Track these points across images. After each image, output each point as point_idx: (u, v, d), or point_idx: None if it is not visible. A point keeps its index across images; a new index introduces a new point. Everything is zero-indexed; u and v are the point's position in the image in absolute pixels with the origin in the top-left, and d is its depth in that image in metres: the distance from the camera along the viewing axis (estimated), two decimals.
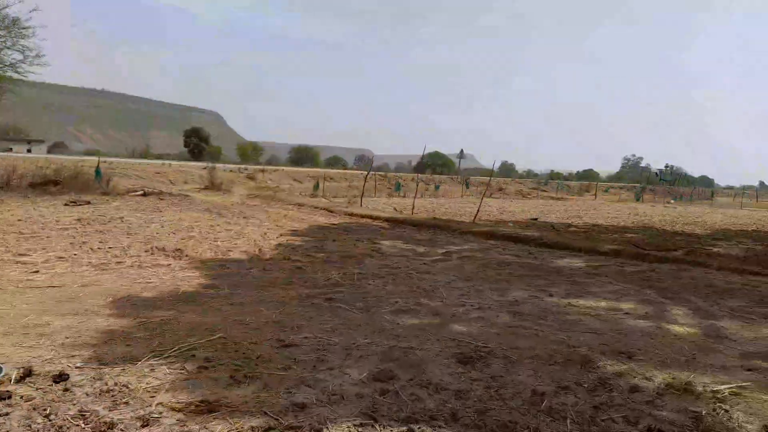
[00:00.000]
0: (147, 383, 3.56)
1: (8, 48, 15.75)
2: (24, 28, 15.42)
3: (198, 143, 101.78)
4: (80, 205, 16.29)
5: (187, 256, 8.61)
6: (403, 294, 6.73)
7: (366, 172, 32.14)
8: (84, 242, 9.33)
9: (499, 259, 10.03)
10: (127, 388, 3.47)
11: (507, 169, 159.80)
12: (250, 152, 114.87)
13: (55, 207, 15.34)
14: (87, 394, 3.35)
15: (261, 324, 5.12)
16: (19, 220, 11.89)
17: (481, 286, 7.45)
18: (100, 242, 9.46)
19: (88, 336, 4.45)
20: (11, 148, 63.42)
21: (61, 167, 20.96)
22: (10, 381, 3.45)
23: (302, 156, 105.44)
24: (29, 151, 64.86)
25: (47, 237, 9.69)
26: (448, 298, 6.64)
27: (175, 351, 4.20)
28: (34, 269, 7.01)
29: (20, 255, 7.89)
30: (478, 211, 19.03)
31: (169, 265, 7.85)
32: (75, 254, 8.20)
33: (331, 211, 19.21)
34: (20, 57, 15.90)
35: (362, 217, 17.71)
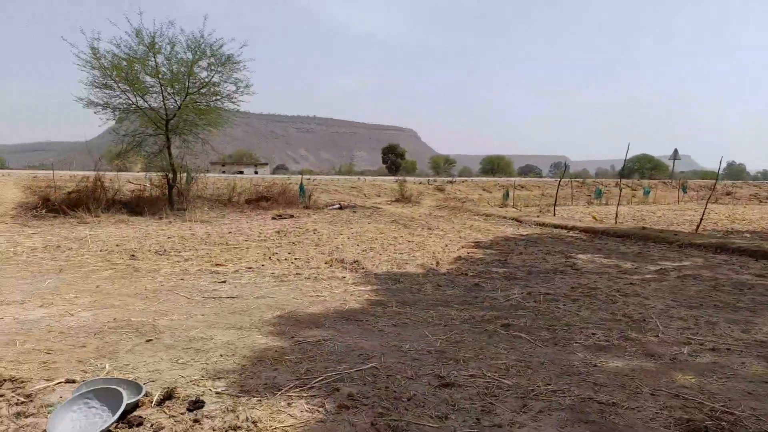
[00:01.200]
0: (279, 422, 3.07)
1: (224, 81, 18.09)
2: (236, 63, 17.52)
3: (394, 159, 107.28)
4: (284, 218, 17.75)
5: (363, 268, 8.37)
6: (603, 323, 5.39)
7: (559, 179, 29.72)
8: (275, 253, 9.78)
9: (735, 280, 7.81)
10: (256, 426, 3.01)
11: (736, 171, 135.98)
12: (443, 165, 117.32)
13: (264, 220, 16.91)
14: (214, 430, 2.97)
15: (422, 352, 4.38)
16: (230, 232, 13.20)
17: (714, 317, 5.67)
18: (288, 253, 9.83)
19: (241, 355, 4.22)
20: (242, 171, 74.26)
21: (272, 185, 23.32)
22: (151, 403, 3.27)
23: (493, 166, 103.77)
24: (256, 172, 75.30)
25: (246, 248, 10.42)
26: (666, 331, 5.11)
27: (320, 381, 3.69)
28: (223, 279, 7.37)
29: (217, 265, 8.47)
30: (701, 219, 15.81)
31: (344, 278, 7.64)
32: (262, 265, 8.54)
33: (520, 221, 17.85)
34: (234, 88, 18.13)
35: (555, 227, 16.02)
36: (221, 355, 4.21)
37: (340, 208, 22.35)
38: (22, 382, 3.56)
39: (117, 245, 10.53)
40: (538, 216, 19.33)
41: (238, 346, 4.45)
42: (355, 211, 20.79)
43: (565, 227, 15.66)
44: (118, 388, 3.12)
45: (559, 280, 7.72)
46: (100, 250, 9.85)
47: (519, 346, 4.65)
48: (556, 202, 22.66)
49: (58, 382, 3.57)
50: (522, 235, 13.75)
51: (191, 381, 3.65)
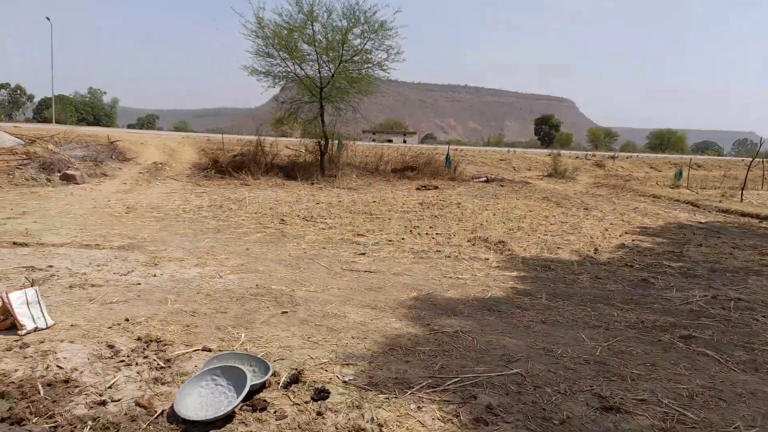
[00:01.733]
0: (406, 430, 2.70)
1: (376, 49, 18.05)
2: (388, 30, 17.35)
3: (548, 131, 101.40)
4: (429, 189, 17.48)
5: (509, 250, 7.70)
6: None
7: (750, 159, 25.34)
8: (416, 227, 9.50)
9: None
10: (381, 430, 2.68)
11: None
12: (603, 138, 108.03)
13: (408, 191, 16.81)
14: (336, 428, 2.69)
15: (577, 361, 3.71)
16: (374, 201, 13.25)
17: None
18: (430, 227, 9.48)
19: (372, 340, 3.93)
20: (391, 140, 75.77)
21: (418, 154, 23.16)
22: (278, 385, 3.11)
23: (663, 141, 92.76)
24: (404, 141, 76.41)
25: (388, 219, 10.30)
26: None
27: (455, 382, 3.25)
28: (362, 251, 7.25)
29: (359, 235, 8.41)
30: None
31: (487, 259, 7.07)
32: (402, 239, 8.30)
33: (697, 206, 15.48)
34: (384, 56, 18.04)
35: (743, 215, 13.58)
36: (352, 337, 3.96)
37: (487, 181, 21.47)
38: (165, 344, 3.64)
39: (270, 208, 11.08)
40: (720, 201, 16.62)
41: (371, 329, 4.18)
42: (502, 185, 19.81)
43: (757, 216, 13.17)
44: (244, 369, 2.99)
45: (754, 282, 6.32)
46: (255, 213, 10.42)
47: (705, 366, 3.74)
48: (744, 185, 19.30)
49: (195, 349, 3.60)
50: (700, 223, 11.82)
51: (320, 364, 3.44)
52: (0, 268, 5.44)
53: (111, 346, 3.56)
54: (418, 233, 8.82)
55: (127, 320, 4.09)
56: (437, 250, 7.49)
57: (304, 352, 3.65)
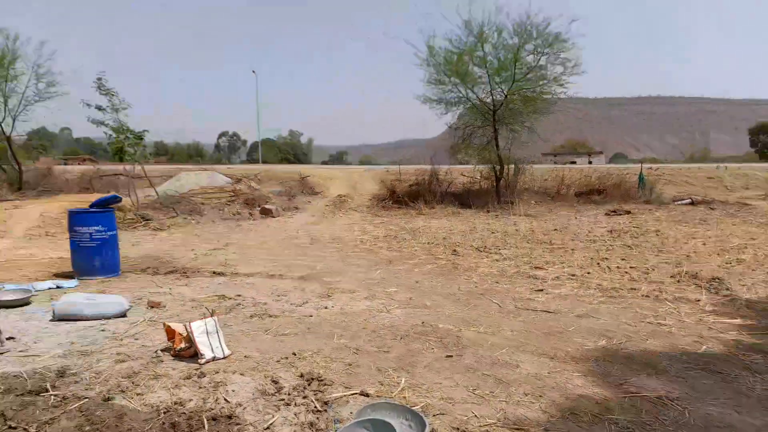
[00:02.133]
0: None
1: (551, 63, 17.01)
2: (563, 41, 16.21)
3: (767, 141, 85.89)
4: (619, 215, 15.70)
5: (727, 289, 6.30)
6: None
7: None
8: (604, 258, 8.41)
9: None
10: None
11: None
12: None
13: (595, 217, 15.29)
14: None
15: None
16: (555, 229, 12.24)
17: None
18: (621, 259, 8.32)
19: (549, 399, 3.34)
20: (574, 161, 71.28)
21: (605, 175, 21.12)
22: None
23: None
24: (590, 162, 71.28)
25: (572, 249, 9.34)
26: None
27: None
28: (540, 287, 6.55)
29: (536, 268, 7.70)
30: None
31: (698, 301, 5.84)
32: (588, 273, 7.36)
33: None
34: (561, 70, 16.87)
35: None
36: (525, 394, 3.42)
37: (692, 203, 18.60)
38: (325, 384, 3.53)
39: (443, 238, 10.88)
40: None
41: (547, 385, 3.57)
42: (713, 208, 16.94)
43: None
44: (397, 425, 2.68)
45: None
46: (428, 243, 10.31)
47: None
48: None
49: (353, 392, 3.41)
50: None
51: (484, 425, 2.99)
52: (198, 296, 6.04)
53: (275, 382, 3.57)
54: (607, 266, 7.76)
55: (294, 354, 4.11)
56: (632, 288, 6.44)
57: (467, 407, 3.22)
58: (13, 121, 20.98)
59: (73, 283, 6.52)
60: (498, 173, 18.38)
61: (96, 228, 6.97)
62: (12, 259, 8.53)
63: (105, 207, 7.39)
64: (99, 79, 15.11)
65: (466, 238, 10.92)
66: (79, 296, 5.13)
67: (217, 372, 3.71)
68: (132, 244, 10.53)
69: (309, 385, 3.55)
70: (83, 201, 16.06)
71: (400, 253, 9.22)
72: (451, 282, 6.95)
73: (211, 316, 4.09)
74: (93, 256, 6.95)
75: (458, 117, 20.03)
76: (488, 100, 18.18)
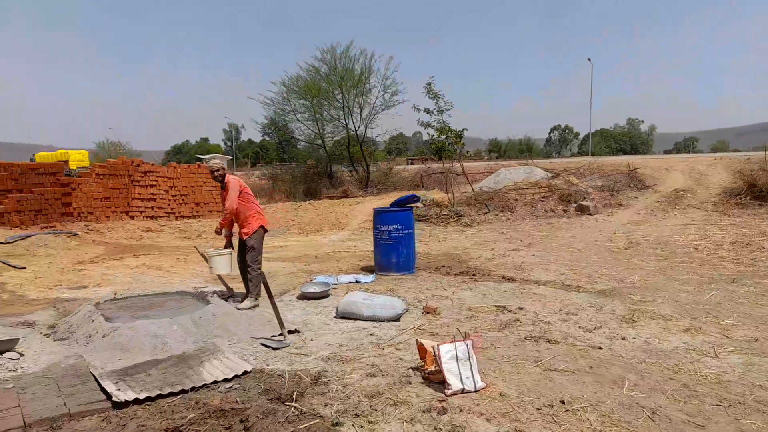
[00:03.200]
0: None
1: None
2: None
3: None
4: None
5: None
6: None
7: None
8: None
9: None
10: None
11: None
12: None
13: None
14: None
15: None
16: None
17: None
18: None
19: None
20: None
21: None
22: None
23: None
24: None
25: None
26: None
27: None
28: None
29: None
30: None
31: None
32: None
33: None
34: None
35: None
36: None
37: None
38: None
39: None
40: None
41: None
42: None
43: None
44: None
45: None
46: None
47: None
48: None
49: None
50: None
51: None
52: (477, 303, 5.56)
53: None
54: None
55: (562, 403, 3.18)
56: None
57: None
58: (365, 128, 24.98)
59: (370, 278, 6.92)
60: None
61: (394, 226, 7.26)
62: (338, 251, 9.81)
63: (404, 206, 7.66)
64: (429, 84, 16.38)
65: None
66: (359, 295, 5.29)
67: (461, 410, 3.11)
68: (439, 240, 10.89)
69: None
70: None
71: (752, 269, 6.83)
72: None
73: (464, 339, 3.51)
74: (390, 252, 7.26)
75: None
76: None
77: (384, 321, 4.94)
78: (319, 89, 23.46)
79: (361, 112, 24.48)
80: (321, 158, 26.10)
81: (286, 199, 22.04)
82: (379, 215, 7.46)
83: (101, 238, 10.81)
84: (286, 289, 6.43)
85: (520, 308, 5.32)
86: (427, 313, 5.22)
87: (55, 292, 6.48)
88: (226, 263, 5.34)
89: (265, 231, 5.75)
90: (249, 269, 5.51)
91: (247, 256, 5.55)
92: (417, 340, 3.78)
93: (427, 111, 16.45)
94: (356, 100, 24.17)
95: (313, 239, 12.04)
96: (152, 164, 14.45)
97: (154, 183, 13.73)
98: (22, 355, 3.97)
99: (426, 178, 24.26)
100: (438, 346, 3.48)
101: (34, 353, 4.05)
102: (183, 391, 3.44)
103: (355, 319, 5.01)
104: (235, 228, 5.73)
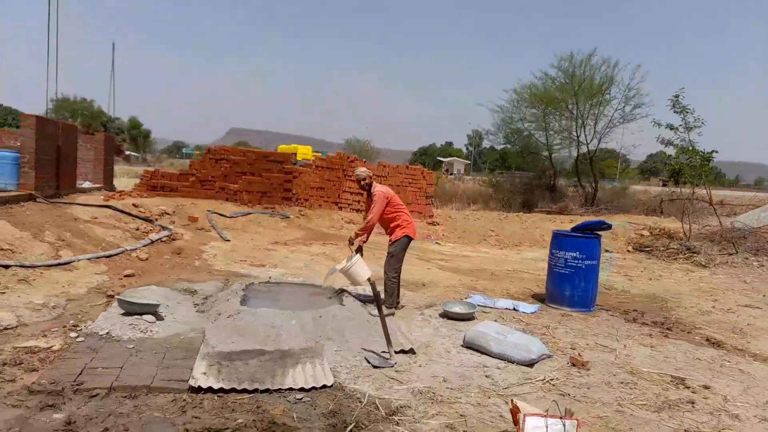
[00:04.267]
0: None
1: None
2: None
3: None
4: None
5: None
6: None
7: None
8: None
9: None
10: None
11: None
12: None
13: None
14: None
15: None
16: None
17: None
18: None
19: None
20: None
21: None
22: None
23: None
24: None
25: None
26: None
27: None
28: None
29: None
30: None
31: None
32: None
33: None
34: None
35: None
36: None
37: None
38: None
39: None
40: None
41: None
42: None
43: None
44: None
45: None
46: None
47: None
48: None
49: None
50: None
51: None
52: (647, 367, 4.31)
53: None
54: None
55: None
56: None
57: None
58: (598, 142, 22.65)
59: (532, 308, 6.03)
60: None
61: (572, 254, 6.21)
62: (520, 270, 8.90)
63: (590, 232, 6.49)
64: (676, 96, 14.01)
65: None
66: (492, 327, 4.57)
67: None
68: (651, 277, 9.11)
69: None
70: (635, 224, 15.44)
71: None
72: None
73: (562, 417, 2.64)
74: (564, 283, 6.24)
75: None
76: None
77: (513, 362, 4.17)
78: (552, 98, 22.08)
79: (595, 124, 22.29)
80: (546, 170, 24.60)
81: (502, 208, 21.33)
82: (557, 239, 6.47)
83: (307, 224, 11.87)
84: (433, 302, 6.00)
85: (706, 387, 3.95)
86: (573, 365, 4.25)
87: (237, 267, 7.24)
88: (363, 269, 5.13)
89: (410, 240, 5.43)
90: (385, 276, 5.27)
91: (386, 262, 5.31)
92: (512, 401, 3.00)
93: (671, 127, 14.03)
94: (591, 111, 22.08)
95: (504, 254, 11.25)
96: (364, 161, 15.32)
97: None
98: (160, 319, 4.42)
99: (667, 204, 20.78)
100: (525, 415, 2.70)
101: (171, 320, 4.47)
102: (256, 390, 3.36)
103: (482, 353, 4.35)
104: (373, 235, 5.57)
